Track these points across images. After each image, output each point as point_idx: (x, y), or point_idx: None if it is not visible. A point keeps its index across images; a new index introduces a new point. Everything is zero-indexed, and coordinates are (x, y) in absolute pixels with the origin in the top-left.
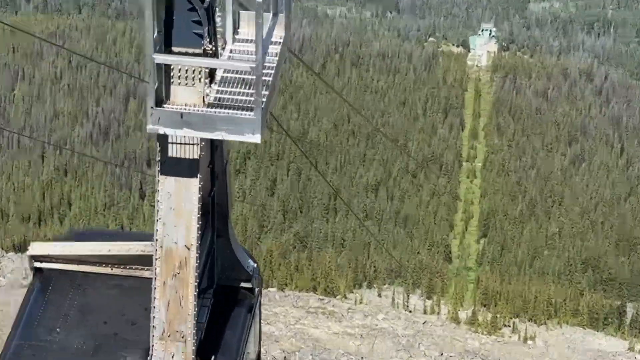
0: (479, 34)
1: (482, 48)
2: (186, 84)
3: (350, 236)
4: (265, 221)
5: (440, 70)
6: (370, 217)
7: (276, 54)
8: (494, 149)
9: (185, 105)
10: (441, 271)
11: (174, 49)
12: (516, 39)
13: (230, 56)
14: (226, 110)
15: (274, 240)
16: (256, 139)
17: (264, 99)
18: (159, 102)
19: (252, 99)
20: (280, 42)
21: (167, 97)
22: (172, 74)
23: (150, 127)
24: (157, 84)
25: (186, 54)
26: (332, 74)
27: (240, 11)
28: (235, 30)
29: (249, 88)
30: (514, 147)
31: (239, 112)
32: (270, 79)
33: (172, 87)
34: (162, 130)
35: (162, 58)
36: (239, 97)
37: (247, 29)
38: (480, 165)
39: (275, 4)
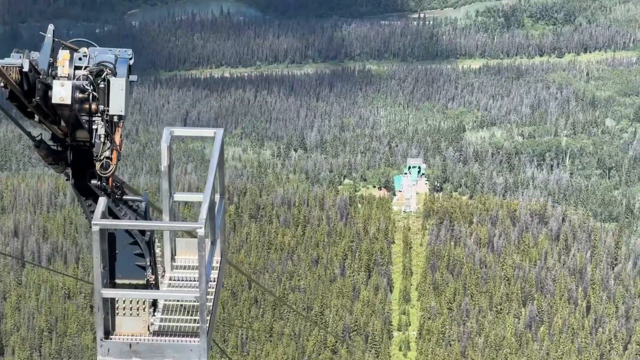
0: (405, 173)
1: (410, 189)
2: (131, 314)
3: None
4: None
5: (360, 218)
6: None
7: (214, 279)
8: (430, 314)
9: (132, 334)
10: None
11: (118, 281)
12: (450, 176)
13: (170, 283)
14: (172, 338)
15: None
16: None
17: (208, 325)
18: (107, 334)
19: (196, 325)
20: (217, 267)
21: (113, 327)
22: (117, 305)
23: (100, 358)
24: (104, 317)
25: (130, 285)
26: (228, 229)
27: (177, 239)
28: (172, 258)
29: (191, 314)
30: (455, 309)
31: (184, 338)
32: (211, 304)
33: (117, 317)
34: None
35: (110, 292)
36: (183, 324)
37: (184, 256)
38: (415, 335)
39: (213, 233)
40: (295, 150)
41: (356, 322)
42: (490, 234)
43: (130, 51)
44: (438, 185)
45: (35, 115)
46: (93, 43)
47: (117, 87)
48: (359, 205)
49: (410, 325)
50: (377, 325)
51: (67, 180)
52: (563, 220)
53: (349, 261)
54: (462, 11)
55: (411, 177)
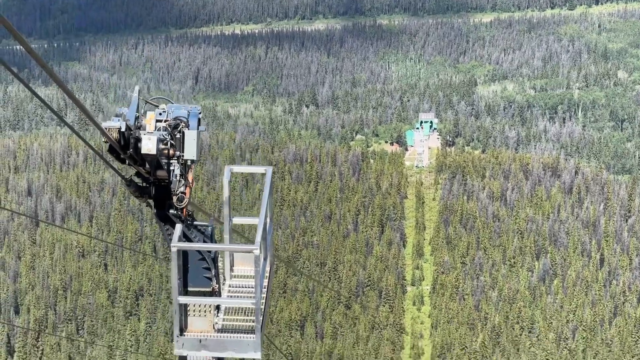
0: (417, 128)
1: (422, 144)
2: (200, 315)
3: None
4: None
5: (372, 174)
6: None
7: (266, 286)
8: (444, 268)
9: (201, 332)
10: None
11: (190, 289)
12: (463, 130)
13: (230, 290)
14: (233, 335)
15: None
16: (257, 355)
17: (261, 325)
18: (181, 331)
19: (252, 324)
20: (267, 277)
21: (186, 326)
22: (188, 308)
23: (176, 351)
24: (179, 318)
25: (199, 292)
26: (240, 186)
27: (235, 253)
28: (231, 268)
29: (247, 315)
30: (469, 264)
31: (243, 335)
32: (264, 307)
33: (189, 318)
34: (185, 352)
35: (184, 299)
36: (241, 324)
37: (240, 267)
38: (428, 289)
39: (265, 251)
40: (307, 107)
41: (370, 277)
42: (503, 188)
43: (199, 107)
44: (450, 139)
45: (126, 160)
46: (170, 100)
47: (190, 137)
48: (371, 161)
49: (423, 279)
50: (391, 280)
51: (149, 208)
52: (576, 173)
53: (361, 217)
54: None
55: (423, 132)
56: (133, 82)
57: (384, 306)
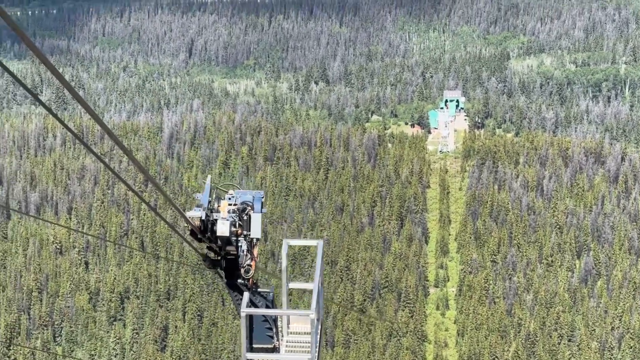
0: (442, 108)
1: (447, 126)
2: None
3: None
4: None
5: (390, 160)
6: None
7: (317, 340)
8: (471, 267)
9: None
10: None
11: (255, 345)
12: (493, 110)
13: (287, 344)
14: None
15: None
16: None
17: None
18: None
19: None
20: (318, 333)
21: None
22: None
23: None
24: None
25: (262, 349)
26: (240, 173)
27: (291, 316)
28: (287, 326)
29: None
30: (500, 262)
31: None
32: (317, 359)
33: None
34: None
35: (252, 355)
36: None
37: (296, 324)
38: (453, 291)
39: (317, 313)
40: (316, 83)
41: (387, 277)
42: (539, 176)
43: (262, 192)
44: (479, 121)
45: (203, 239)
46: (237, 186)
47: (256, 219)
48: (389, 145)
49: (448, 280)
50: (411, 280)
51: (220, 279)
52: (622, 159)
53: (378, 209)
54: None
55: (448, 112)
56: (118, 55)
57: (404, 310)
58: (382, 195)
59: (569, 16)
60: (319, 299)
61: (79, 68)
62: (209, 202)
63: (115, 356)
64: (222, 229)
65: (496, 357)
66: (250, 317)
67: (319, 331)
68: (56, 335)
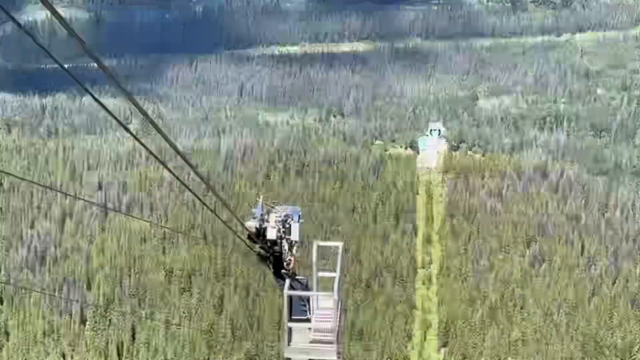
0: (427, 135)
1: (432, 149)
2: (300, 333)
3: None
4: (214, 341)
5: (389, 174)
6: None
7: (339, 315)
8: (449, 254)
9: (301, 342)
10: None
11: (293, 317)
12: (466, 137)
13: (316, 317)
14: (320, 345)
15: None
16: (334, 357)
17: (340, 345)
18: (289, 343)
19: (331, 339)
20: (338, 308)
21: (291, 340)
22: (293, 329)
23: (286, 355)
24: (287, 334)
25: (299, 319)
26: (277, 182)
27: (319, 296)
28: (317, 304)
29: (328, 333)
30: (470, 250)
31: (326, 345)
32: (338, 328)
33: (293, 335)
34: (292, 356)
35: (291, 324)
36: (324, 338)
37: (323, 302)
38: (436, 271)
39: (337, 293)
40: (334, 116)
41: (386, 261)
42: (500, 186)
43: (299, 208)
44: (455, 145)
45: (257, 242)
46: (281, 203)
47: (295, 227)
48: (389, 163)
49: (432, 263)
50: (404, 263)
51: (268, 269)
52: (561, 174)
53: (380, 210)
54: None
55: (432, 139)
56: (187, 95)
57: (398, 285)
58: (383, 200)
59: (523, 68)
60: (339, 284)
61: (159, 104)
62: (261, 214)
63: (185, 318)
64: (272, 234)
65: (467, 320)
66: (290, 297)
67: (338, 307)
68: (140, 302)
